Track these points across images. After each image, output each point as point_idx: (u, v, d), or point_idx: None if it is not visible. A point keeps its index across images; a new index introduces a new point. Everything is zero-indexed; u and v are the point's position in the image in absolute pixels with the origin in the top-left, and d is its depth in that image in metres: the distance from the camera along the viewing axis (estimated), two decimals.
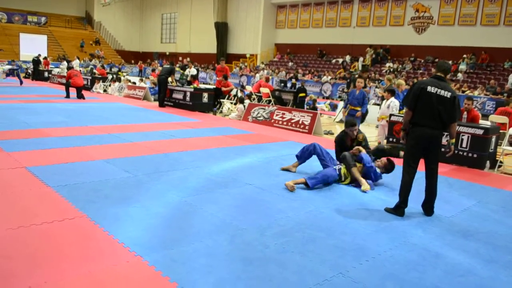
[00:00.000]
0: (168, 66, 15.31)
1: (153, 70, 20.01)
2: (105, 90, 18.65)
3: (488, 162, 7.51)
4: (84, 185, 4.85)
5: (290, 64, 29.44)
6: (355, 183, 5.68)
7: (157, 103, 14.54)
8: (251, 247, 3.50)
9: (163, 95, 13.96)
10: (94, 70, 21.38)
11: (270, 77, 20.82)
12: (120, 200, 4.42)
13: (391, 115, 8.78)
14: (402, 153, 5.49)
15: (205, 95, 13.56)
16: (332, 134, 10.52)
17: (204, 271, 3.04)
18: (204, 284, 2.86)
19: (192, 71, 16.84)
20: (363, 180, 5.62)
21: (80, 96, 14.75)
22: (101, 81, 19.10)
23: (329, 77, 23.95)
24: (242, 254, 3.37)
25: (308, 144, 6.27)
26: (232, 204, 4.57)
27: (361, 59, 26.05)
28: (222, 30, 34.74)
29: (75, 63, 23.04)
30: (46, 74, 23.39)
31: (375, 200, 5.10)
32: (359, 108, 9.12)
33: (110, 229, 3.64)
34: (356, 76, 11.59)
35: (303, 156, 6.22)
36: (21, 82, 19.43)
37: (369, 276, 3.16)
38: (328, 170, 5.66)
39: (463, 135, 7.58)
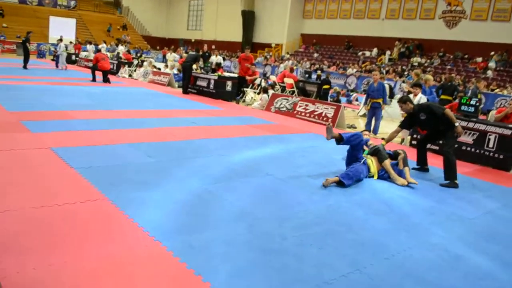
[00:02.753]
0: (194, 53, 15.19)
1: (181, 57, 20.09)
2: (130, 75, 18.84)
3: None
4: (107, 168, 4.92)
5: (316, 55, 29.18)
6: (383, 175, 5.73)
7: (181, 89, 14.62)
8: (269, 238, 3.50)
9: (187, 82, 14.01)
10: (120, 55, 21.59)
11: (295, 68, 20.68)
12: (142, 185, 4.47)
13: None
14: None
15: (229, 83, 13.56)
16: (355, 128, 10.41)
17: (222, 259, 3.05)
18: (221, 271, 2.88)
19: (218, 58, 16.86)
20: (396, 175, 5.65)
21: (106, 80, 14.92)
22: (126, 65, 19.28)
23: (354, 70, 23.66)
24: (260, 244, 3.37)
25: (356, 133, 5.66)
26: (252, 194, 4.58)
27: (388, 52, 25.64)
28: (248, 19, 34.59)
29: (102, 47, 23.28)
30: (73, 57, 23.74)
31: (396, 198, 5.03)
32: (380, 101, 9.01)
33: (131, 213, 3.69)
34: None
35: (349, 140, 5.54)
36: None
37: (386, 274, 3.13)
38: (357, 165, 5.49)
39: (490, 135, 7.40)
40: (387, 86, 9.73)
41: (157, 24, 43.71)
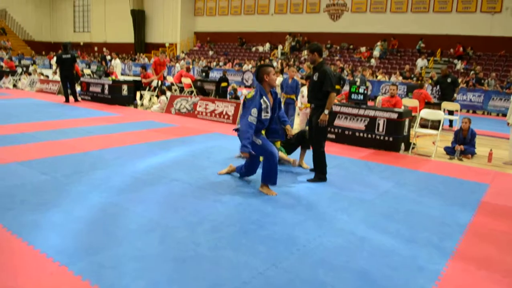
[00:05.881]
0: (69, 56, 12.64)
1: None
2: (14, 85, 17.37)
3: (403, 144, 7.98)
4: None
5: (211, 53, 29.22)
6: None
7: (72, 97, 13.54)
8: (183, 246, 3.45)
9: (74, 89, 13.08)
10: (1, 63, 19.81)
11: (191, 67, 20.54)
12: (39, 206, 4.14)
13: None
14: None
15: (125, 87, 13.06)
16: None
17: (135, 275, 2.94)
18: None
19: (117, 62, 16.21)
20: (287, 158, 6.21)
21: None
22: (10, 75, 17.75)
23: (250, 66, 24.11)
24: (174, 254, 3.30)
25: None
26: (159, 202, 4.46)
27: (280, 46, 26.48)
28: (139, 18, 33.64)
29: None
30: None
31: (302, 189, 5.23)
32: (294, 97, 9.22)
33: (29, 239, 3.40)
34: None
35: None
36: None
37: (300, 265, 3.24)
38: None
39: (379, 120, 7.98)
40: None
41: (41, 28, 40.75)
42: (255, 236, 3.71)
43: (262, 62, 24.64)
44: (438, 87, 12.69)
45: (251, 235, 3.73)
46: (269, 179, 4.97)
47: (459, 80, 17.61)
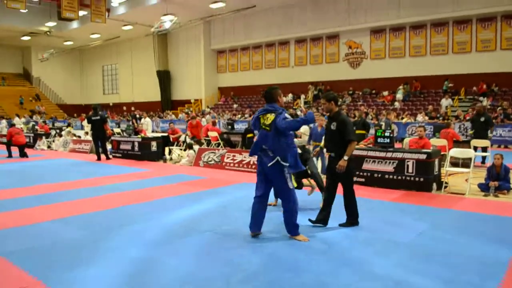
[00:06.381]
0: (98, 117, 13.19)
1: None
2: (49, 147, 18.05)
3: (434, 184, 7.86)
4: (36, 250, 4.62)
5: (235, 106, 29.85)
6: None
7: (103, 156, 13.99)
8: None
9: (104, 147, 13.54)
10: (36, 127, 20.72)
11: (217, 120, 21.01)
12: (77, 262, 4.23)
13: None
14: None
15: (154, 143, 13.41)
16: None
17: None
18: None
19: (147, 120, 16.93)
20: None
21: (23, 154, 14.17)
22: (44, 137, 18.51)
23: None
24: None
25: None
26: (193, 254, 4.49)
27: (302, 96, 26.87)
28: (164, 78, 34.96)
29: (16, 121, 22.22)
30: None
31: (334, 234, 5.18)
32: (322, 144, 9.29)
33: None
34: None
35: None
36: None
37: None
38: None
39: (408, 161, 7.92)
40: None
41: (72, 92, 42.80)
42: (290, 284, 3.68)
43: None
44: (465, 125, 12.48)
45: (285, 283, 3.70)
46: (289, 230, 5.02)
47: None
